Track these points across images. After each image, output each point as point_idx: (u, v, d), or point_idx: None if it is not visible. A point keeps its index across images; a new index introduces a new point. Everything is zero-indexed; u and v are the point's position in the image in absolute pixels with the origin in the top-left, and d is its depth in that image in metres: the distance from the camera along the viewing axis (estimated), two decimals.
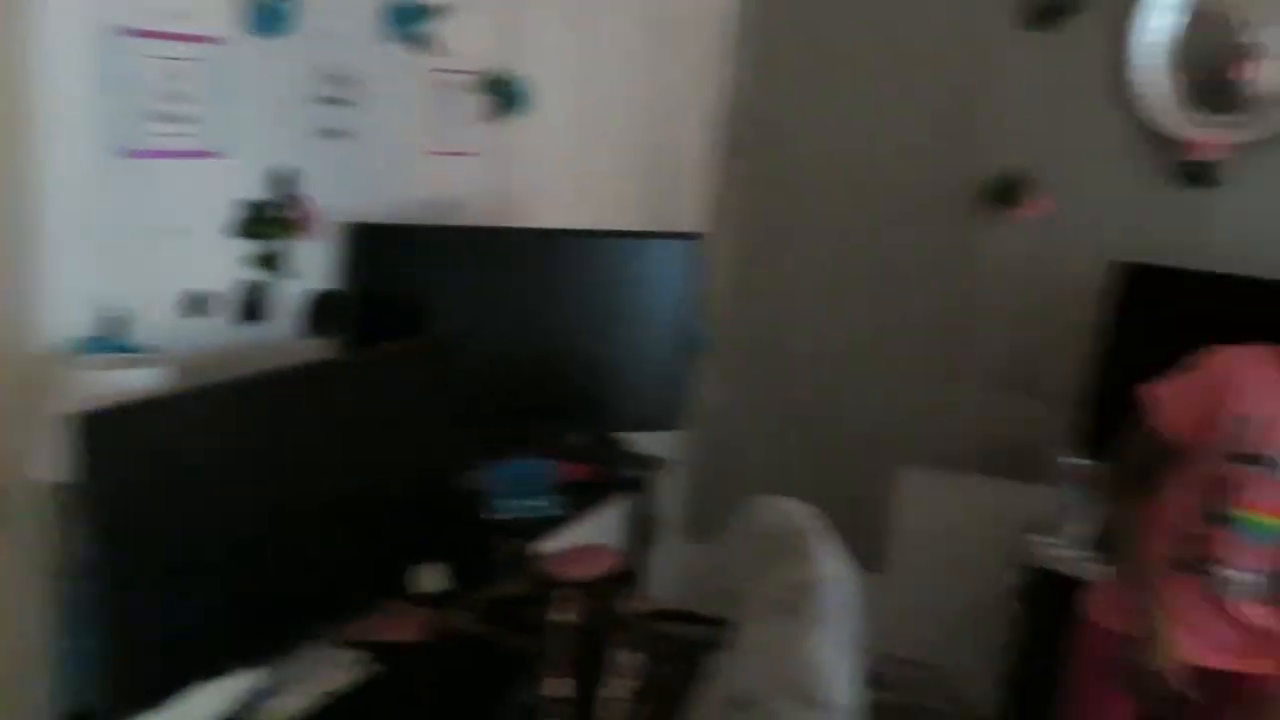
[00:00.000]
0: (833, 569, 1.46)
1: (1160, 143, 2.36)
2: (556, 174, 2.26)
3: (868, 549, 2.91)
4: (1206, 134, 2.28)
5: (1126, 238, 2.36)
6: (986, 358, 2.65)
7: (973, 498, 2.68)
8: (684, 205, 2.78)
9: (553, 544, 1.89)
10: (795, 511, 1.59)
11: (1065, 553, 2.25)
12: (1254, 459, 1.50)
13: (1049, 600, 2.28)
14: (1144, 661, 1.58)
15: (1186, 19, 2.30)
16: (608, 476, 2.05)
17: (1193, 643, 1.59)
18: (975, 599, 2.67)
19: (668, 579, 2.40)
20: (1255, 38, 2.26)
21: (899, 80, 2.63)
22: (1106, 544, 1.82)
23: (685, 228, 2.79)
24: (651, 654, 1.53)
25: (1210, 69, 2.30)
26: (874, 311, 2.76)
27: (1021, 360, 2.59)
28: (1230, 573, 1.54)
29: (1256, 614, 1.57)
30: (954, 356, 2.69)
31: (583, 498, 1.96)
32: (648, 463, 2.13)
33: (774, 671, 1.32)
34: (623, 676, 1.46)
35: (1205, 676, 1.62)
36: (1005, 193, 2.49)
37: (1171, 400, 1.59)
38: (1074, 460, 2.26)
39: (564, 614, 1.52)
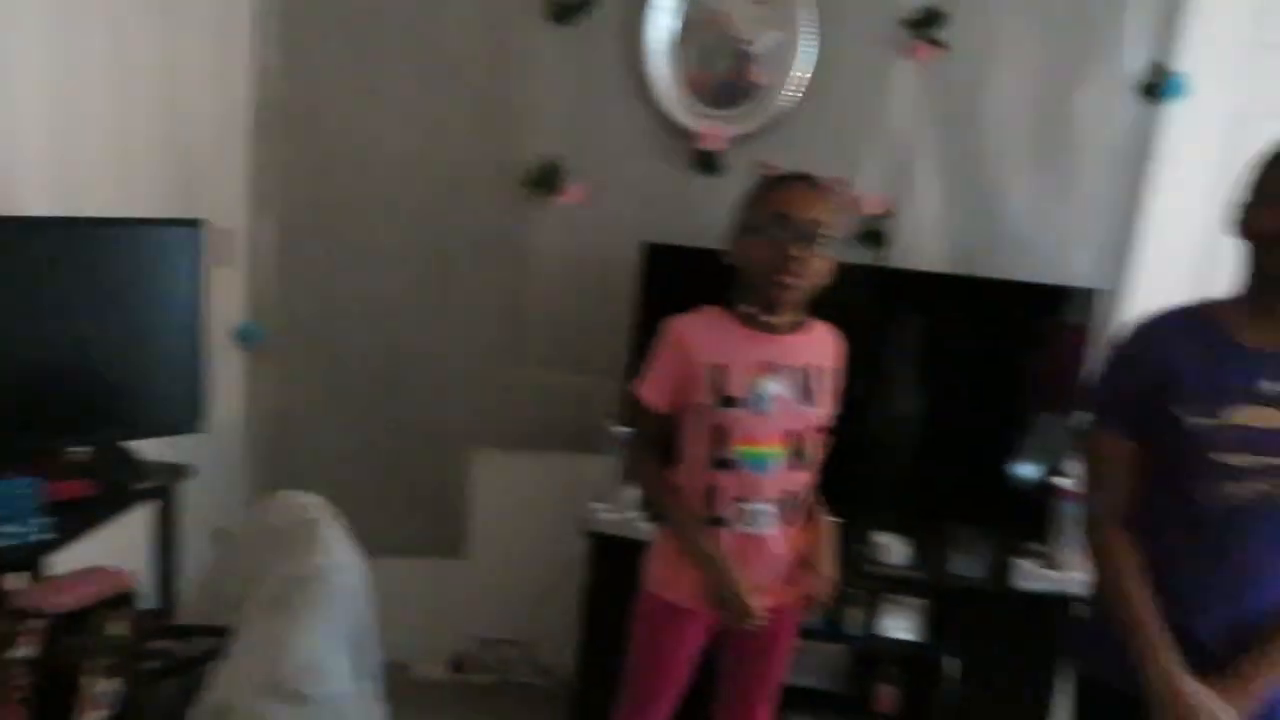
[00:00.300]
0: (333, 558, 1.43)
1: (677, 133, 2.58)
2: (32, 156, 1.97)
3: (449, 536, 2.94)
4: (711, 126, 2.54)
5: (655, 220, 2.57)
6: (541, 337, 2.75)
7: (543, 473, 2.80)
8: (215, 193, 2.59)
9: (50, 571, 1.68)
10: (300, 505, 1.53)
11: (619, 516, 2.40)
12: (734, 401, 1.70)
13: (611, 564, 2.43)
14: (727, 615, 1.73)
15: (682, 22, 2.52)
16: (114, 491, 1.84)
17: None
18: (553, 570, 2.78)
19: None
20: (745, 43, 2.53)
21: (433, 67, 2.62)
22: (650, 508, 1.96)
23: (218, 217, 2.59)
24: (139, 677, 1.40)
25: (710, 68, 2.55)
26: (429, 297, 2.75)
27: (571, 338, 2.72)
28: (750, 506, 1.73)
29: (776, 542, 1.77)
30: (512, 338, 2.76)
31: (83, 517, 1.75)
32: (165, 472, 1.94)
33: (260, 673, 1.26)
34: (97, 707, 1.32)
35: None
36: (544, 180, 2.60)
37: (650, 380, 1.76)
38: (622, 429, 2.42)
39: (25, 649, 1.34)
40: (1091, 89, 2.49)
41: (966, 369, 2.56)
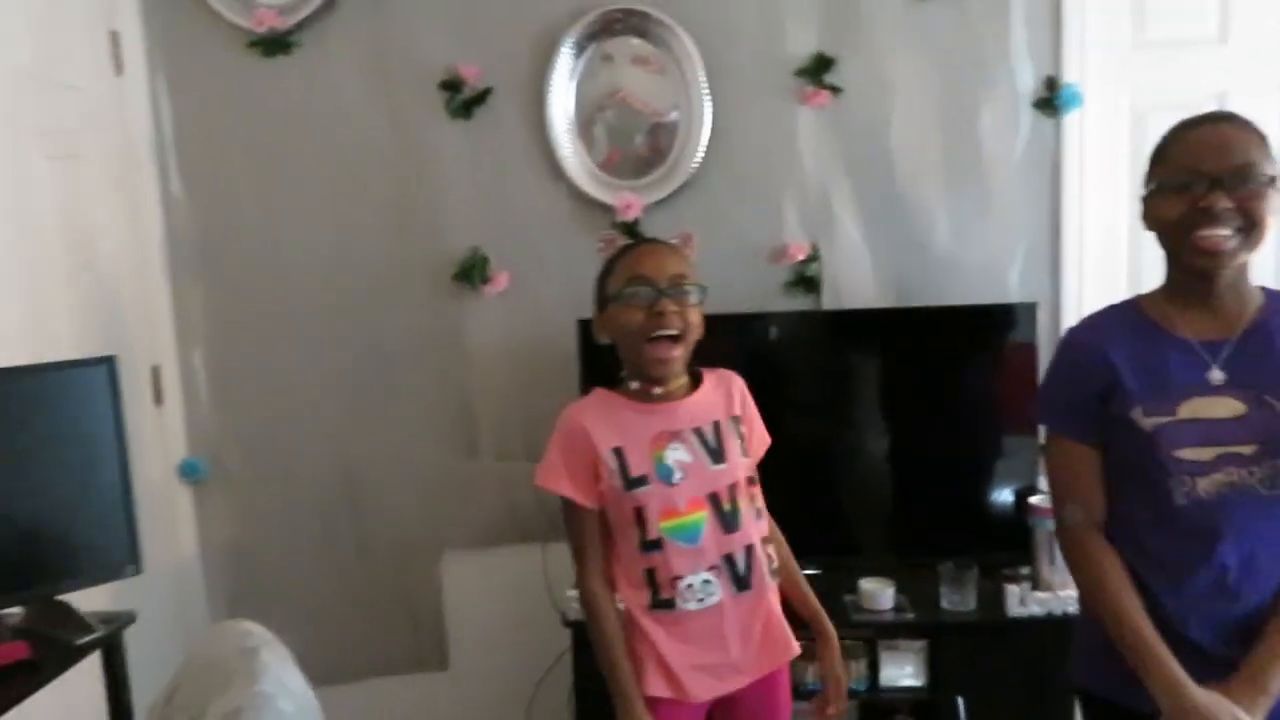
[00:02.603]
0: (274, 685, 1.36)
1: (594, 208, 2.60)
2: None
3: (429, 647, 2.85)
4: (625, 197, 2.57)
5: (586, 296, 2.55)
6: (492, 429, 2.71)
7: (514, 568, 2.72)
8: (138, 332, 2.58)
9: None
10: (240, 633, 1.47)
11: None
12: (641, 480, 1.64)
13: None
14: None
15: (579, 102, 2.58)
16: (53, 649, 1.75)
17: (700, 678, 1.68)
18: (540, 667, 2.69)
19: None
20: (654, 115, 2.59)
21: (343, 175, 2.64)
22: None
23: (145, 356, 2.59)
24: None
25: (623, 143, 2.60)
26: (374, 405, 2.72)
27: (522, 426, 2.68)
28: (691, 580, 1.65)
29: (736, 609, 1.68)
30: (463, 434, 2.73)
31: (24, 681, 1.66)
32: (106, 622, 1.86)
33: None
34: None
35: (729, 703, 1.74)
36: (471, 272, 2.61)
37: (555, 472, 1.68)
38: None
39: None
40: (991, 109, 2.54)
41: (923, 401, 2.54)
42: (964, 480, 2.56)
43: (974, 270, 2.59)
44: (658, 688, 1.67)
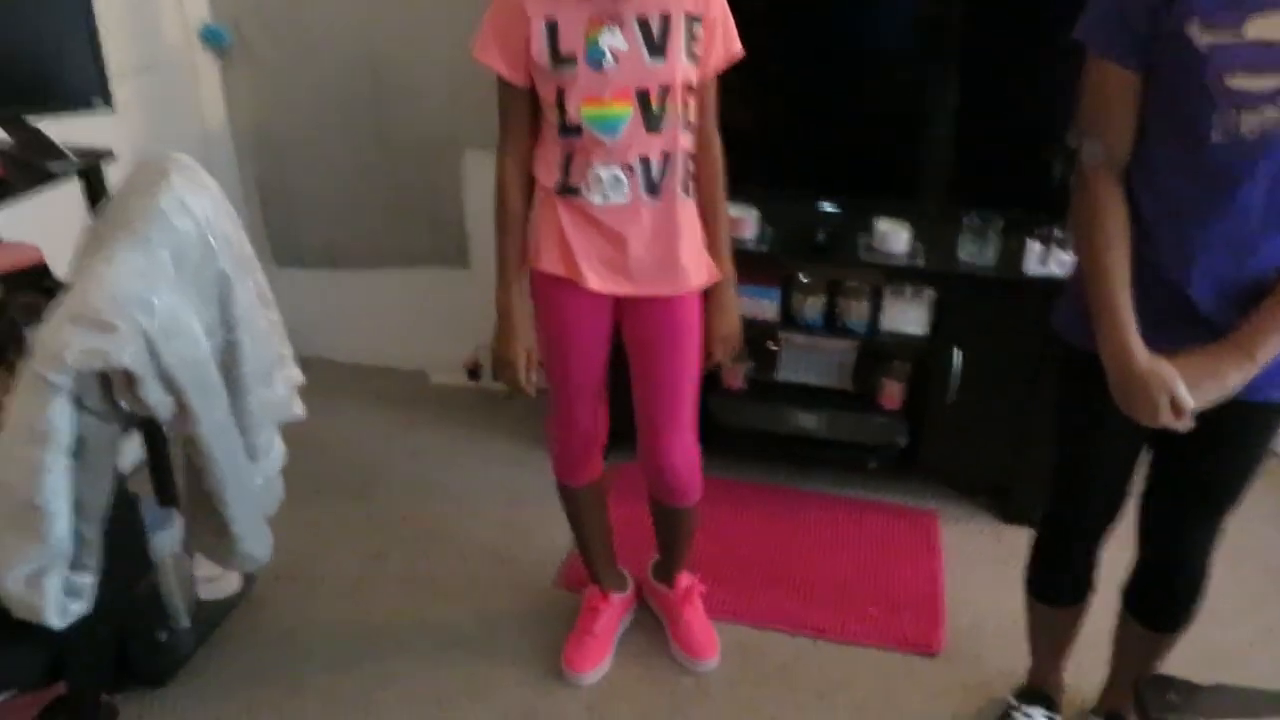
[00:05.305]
0: (170, 202, 1.34)
1: None
2: None
3: (451, 245, 2.88)
4: None
5: None
6: None
7: None
8: None
9: None
10: (164, 158, 1.43)
11: None
12: (570, 60, 1.49)
13: None
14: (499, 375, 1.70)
15: None
16: (25, 171, 1.78)
17: (597, 267, 1.64)
18: None
19: None
20: None
21: None
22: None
23: None
24: None
25: None
26: None
27: None
28: (598, 171, 1.57)
29: (636, 215, 1.61)
30: None
31: None
32: (83, 154, 1.86)
33: (73, 303, 1.24)
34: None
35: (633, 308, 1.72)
36: None
37: (488, 44, 1.54)
38: None
39: None
40: None
41: (993, 37, 2.23)
42: (1022, 130, 2.29)
43: None
44: (552, 264, 1.65)
